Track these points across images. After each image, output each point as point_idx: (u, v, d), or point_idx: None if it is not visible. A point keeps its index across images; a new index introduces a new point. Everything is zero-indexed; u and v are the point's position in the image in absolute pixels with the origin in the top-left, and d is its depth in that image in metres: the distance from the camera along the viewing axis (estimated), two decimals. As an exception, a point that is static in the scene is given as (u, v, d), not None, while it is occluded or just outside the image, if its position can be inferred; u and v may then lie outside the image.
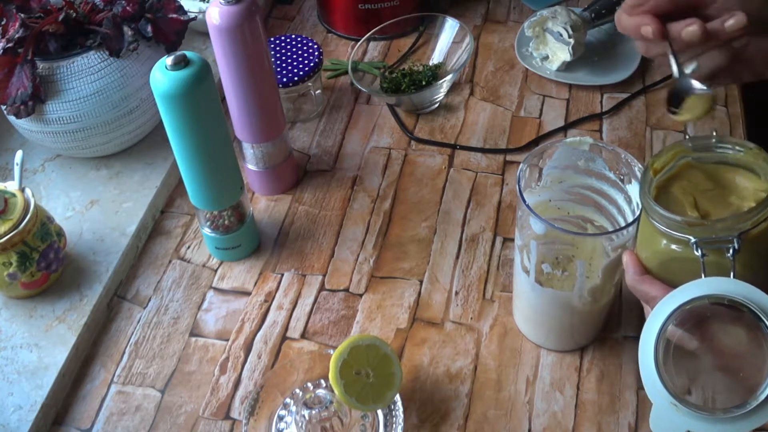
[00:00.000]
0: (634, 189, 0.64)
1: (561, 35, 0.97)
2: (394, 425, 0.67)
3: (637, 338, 0.73)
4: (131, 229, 0.84)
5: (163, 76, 0.66)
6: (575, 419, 0.68)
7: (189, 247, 0.85)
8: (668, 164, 0.60)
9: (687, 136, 0.60)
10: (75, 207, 0.87)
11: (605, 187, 0.67)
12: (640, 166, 0.63)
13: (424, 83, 0.96)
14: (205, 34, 0.88)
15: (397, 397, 0.67)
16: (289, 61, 0.94)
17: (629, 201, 0.65)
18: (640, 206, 0.63)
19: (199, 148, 0.72)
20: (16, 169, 0.76)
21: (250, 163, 0.87)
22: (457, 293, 0.78)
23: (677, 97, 0.62)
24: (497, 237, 0.83)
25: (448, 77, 0.93)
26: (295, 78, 0.92)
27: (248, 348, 0.75)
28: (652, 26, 0.57)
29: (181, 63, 0.66)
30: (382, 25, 1.01)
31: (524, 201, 0.62)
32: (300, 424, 0.66)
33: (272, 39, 0.97)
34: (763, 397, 0.50)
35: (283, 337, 0.76)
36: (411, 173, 0.90)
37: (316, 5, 1.14)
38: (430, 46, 1.02)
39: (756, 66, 0.63)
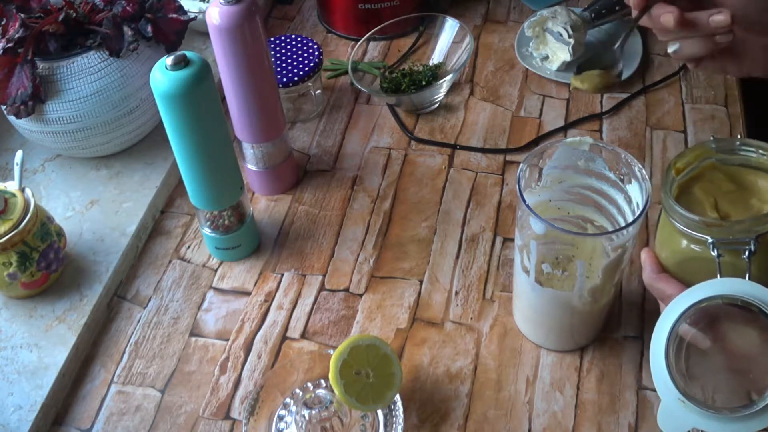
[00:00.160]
0: (634, 189, 0.64)
1: (561, 35, 0.97)
2: (394, 425, 0.67)
3: (637, 338, 0.74)
4: (131, 229, 0.84)
5: (163, 76, 0.66)
6: (575, 419, 0.68)
7: (189, 247, 0.85)
8: (691, 164, 0.60)
9: (712, 137, 0.61)
10: (75, 207, 0.87)
11: (605, 187, 0.67)
12: (640, 166, 0.63)
13: (424, 83, 0.96)
14: (205, 34, 0.88)
15: (397, 397, 0.67)
16: (289, 61, 0.94)
17: (629, 201, 0.65)
18: (640, 206, 0.63)
19: (199, 148, 0.72)
20: (16, 169, 0.76)
21: (250, 163, 0.87)
22: (457, 293, 0.78)
23: (586, 66, 0.63)
24: (497, 237, 0.83)
25: (448, 77, 0.93)
26: (295, 78, 0.92)
27: (248, 348, 0.75)
28: None
29: (181, 63, 0.66)
30: (382, 25, 1.01)
31: (524, 201, 0.62)
32: (300, 424, 0.66)
33: (272, 39, 0.97)
34: None
35: (283, 337, 0.76)
36: (411, 173, 0.90)
37: (316, 5, 1.14)
38: (430, 46, 1.02)
39: (743, 63, 0.63)
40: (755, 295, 0.51)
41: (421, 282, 0.79)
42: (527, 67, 1.00)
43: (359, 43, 1.00)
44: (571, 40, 0.96)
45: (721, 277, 0.54)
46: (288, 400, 0.70)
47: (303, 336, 0.76)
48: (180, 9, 0.88)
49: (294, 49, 0.95)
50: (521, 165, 0.64)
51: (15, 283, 0.75)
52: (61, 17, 0.81)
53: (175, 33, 0.88)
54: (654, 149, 0.90)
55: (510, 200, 0.86)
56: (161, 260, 0.84)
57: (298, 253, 0.83)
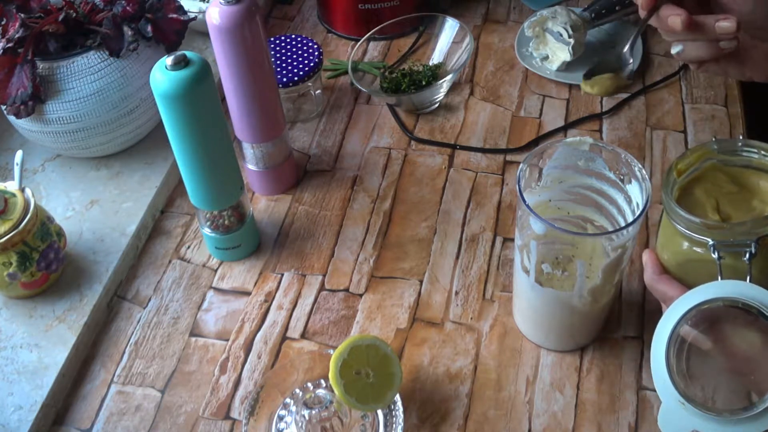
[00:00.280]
0: (634, 189, 0.64)
1: (561, 35, 0.97)
2: (394, 425, 0.67)
3: (637, 338, 0.74)
4: (131, 229, 0.84)
5: (163, 76, 0.66)
6: (575, 419, 0.68)
7: (189, 247, 0.85)
8: (693, 166, 0.60)
9: (713, 138, 0.61)
10: (75, 207, 0.87)
11: (605, 187, 0.67)
12: (640, 166, 0.63)
13: (424, 83, 0.96)
14: (205, 34, 0.88)
15: (397, 397, 0.67)
16: (289, 61, 0.94)
17: (629, 201, 0.65)
18: (640, 206, 0.63)
19: (199, 148, 0.72)
20: (16, 169, 0.76)
21: (250, 163, 0.87)
22: (457, 293, 0.78)
23: (595, 70, 0.63)
24: (497, 237, 0.83)
25: (448, 77, 0.93)
26: (295, 78, 0.92)
27: (248, 348, 0.75)
28: None
29: (181, 63, 0.66)
30: (382, 25, 1.01)
31: (524, 201, 0.62)
32: (300, 424, 0.66)
33: (272, 39, 0.97)
34: None
35: (283, 337, 0.76)
36: (411, 173, 0.90)
37: (316, 5, 1.14)
38: (430, 46, 1.02)
39: (745, 67, 0.64)
40: (756, 298, 0.51)
41: (421, 282, 0.79)
42: (527, 67, 1.00)
43: (359, 43, 1.00)
44: (571, 40, 0.96)
45: (721, 279, 0.54)
46: (288, 400, 0.70)
47: (303, 336, 0.76)
48: (180, 9, 0.88)
49: (294, 49, 0.95)
50: (521, 165, 0.64)
51: (15, 283, 0.75)
52: (61, 17, 0.81)
53: (175, 33, 0.88)
54: (654, 149, 0.90)
55: (510, 200, 0.86)
56: (161, 260, 0.84)
57: (298, 253, 0.83)
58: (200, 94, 0.68)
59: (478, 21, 1.10)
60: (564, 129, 0.94)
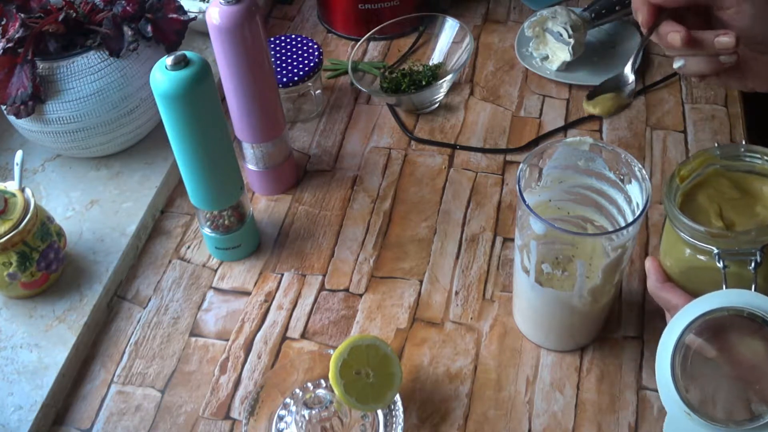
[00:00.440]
0: (634, 189, 0.64)
1: (561, 35, 0.97)
2: (394, 425, 0.67)
3: (637, 338, 0.74)
4: (131, 229, 0.84)
5: (163, 76, 0.66)
6: (575, 419, 0.68)
7: (189, 247, 0.85)
8: (695, 171, 0.60)
9: (716, 144, 0.61)
10: (75, 207, 0.87)
11: (605, 187, 0.67)
12: (640, 166, 0.63)
13: (424, 83, 0.96)
14: (205, 34, 0.88)
15: (397, 397, 0.67)
16: (289, 61, 0.94)
17: (629, 201, 0.65)
18: (640, 206, 0.63)
19: (199, 148, 0.72)
20: (16, 169, 0.76)
21: (250, 163, 0.87)
22: (457, 293, 0.78)
23: (599, 90, 0.64)
24: (497, 237, 0.83)
25: (448, 77, 0.93)
26: (295, 78, 0.92)
27: (248, 348, 0.75)
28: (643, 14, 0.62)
29: (181, 63, 0.66)
30: (382, 25, 1.01)
31: (524, 201, 0.62)
32: (300, 424, 0.66)
33: (272, 39, 0.97)
34: None
35: (283, 337, 0.76)
36: (411, 173, 0.90)
37: (316, 5, 1.14)
38: (430, 46, 1.02)
39: (746, 79, 0.64)
40: (761, 307, 0.51)
41: (421, 282, 0.79)
42: (527, 67, 1.00)
43: (359, 43, 1.00)
44: (571, 40, 0.96)
45: (726, 288, 0.54)
46: (288, 400, 0.70)
47: (303, 336, 0.76)
48: (180, 9, 0.88)
49: (294, 49, 0.95)
50: (521, 165, 0.64)
51: (15, 283, 0.75)
52: (61, 17, 0.81)
53: (175, 33, 0.88)
54: (654, 149, 0.90)
55: (510, 200, 0.86)
56: (161, 260, 0.84)
57: (298, 253, 0.83)
58: (200, 94, 0.68)
59: (478, 21, 1.10)
60: (564, 129, 0.94)
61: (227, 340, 0.76)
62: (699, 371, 0.53)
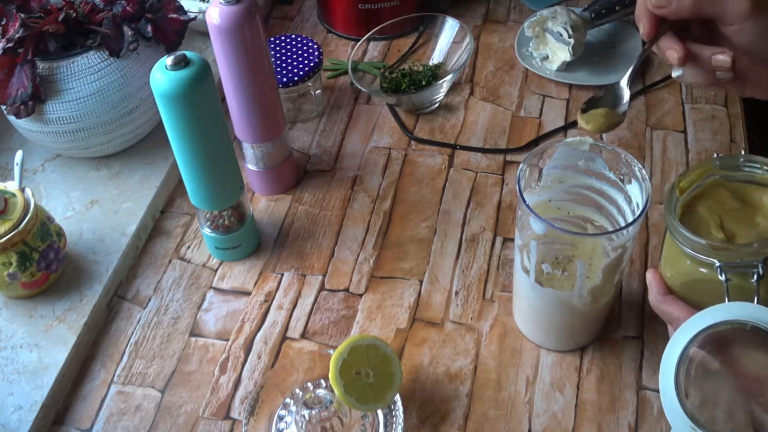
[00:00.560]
0: (634, 189, 0.64)
1: (561, 35, 0.97)
2: (394, 425, 0.67)
3: (637, 338, 0.74)
4: (131, 229, 0.84)
5: (163, 76, 0.66)
6: (575, 419, 0.68)
7: (189, 247, 0.85)
8: (695, 183, 0.60)
9: (715, 154, 0.61)
10: (75, 207, 0.87)
11: (605, 187, 0.67)
12: (640, 166, 0.63)
13: (424, 83, 0.96)
14: (205, 34, 0.88)
15: (397, 397, 0.67)
16: (289, 61, 0.94)
17: (629, 201, 0.65)
18: (640, 206, 0.63)
19: (199, 148, 0.72)
20: (16, 169, 0.76)
21: (250, 163, 0.87)
22: (457, 293, 0.78)
23: (593, 103, 0.64)
24: (497, 237, 0.83)
25: (448, 77, 0.93)
26: (295, 78, 0.92)
27: (248, 348, 0.75)
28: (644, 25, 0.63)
29: (181, 63, 0.66)
30: (382, 25, 1.01)
31: (524, 201, 0.62)
32: (300, 424, 0.66)
33: (272, 39, 0.97)
34: None
35: (283, 337, 0.76)
36: (411, 173, 0.90)
37: (316, 5, 1.14)
38: (430, 46, 1.02)
39: (746, 87, 0.64)
40: (765, 320, 0.51)
41: (421, 282, 0.79)
42: (527, 67, 1.00)
43: (359, 43, 1.00)
44: (571, 40, 0.96)
45: (728, 300, 0.53)
46: (288, 400, 0.70)
47: (303, 336, 0.76)
48: (180, 9, 0.88)
49: (294, 49, 0.95)
50: (521, 165, 0.64)
51: (15, 283, 0.75)
52: (61, 17, 0.81)
53: (175, 33, 0.88)
54: (654, 149, 0.90)
55: (510, 200, 0.86)
56: (161, 260, 0.84)
57: (298, 253, 0.83)
58: (200, 94, 0.68)
59: (478, 21, 1.10)
60: (564, 129, 0.94)
61: (227, 340, 0.76)
62: (703, 385, 0.52)
